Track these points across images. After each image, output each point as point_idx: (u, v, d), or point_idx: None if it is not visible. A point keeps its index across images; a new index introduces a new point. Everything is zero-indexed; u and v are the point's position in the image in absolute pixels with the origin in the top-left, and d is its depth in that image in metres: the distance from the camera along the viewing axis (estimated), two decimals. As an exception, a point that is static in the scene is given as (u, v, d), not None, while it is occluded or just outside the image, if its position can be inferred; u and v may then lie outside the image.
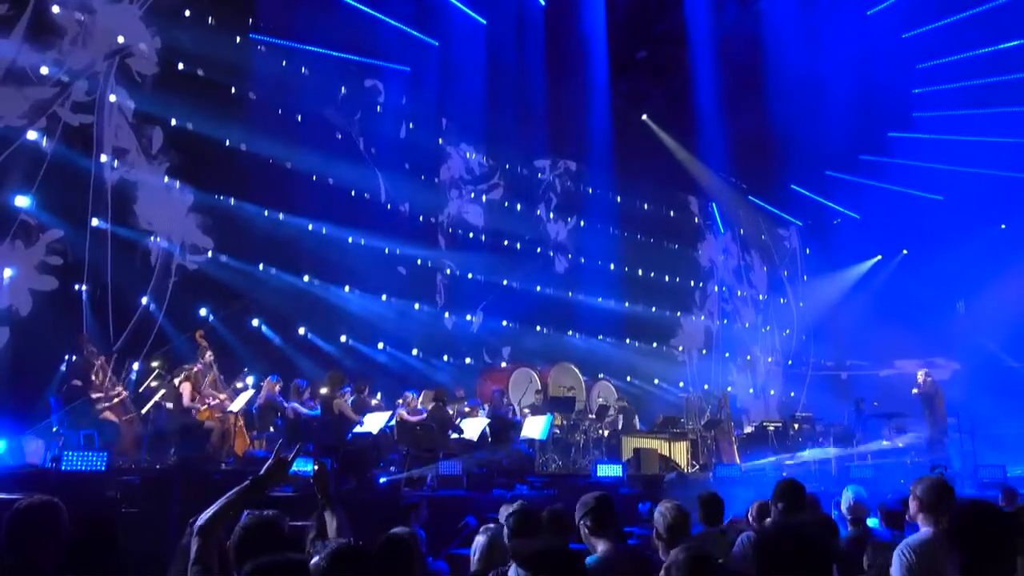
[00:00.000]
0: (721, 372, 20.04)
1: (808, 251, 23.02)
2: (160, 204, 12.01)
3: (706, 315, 20.64)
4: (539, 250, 17.51)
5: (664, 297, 19.39)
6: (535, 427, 11.66)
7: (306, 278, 13.54)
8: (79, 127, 11.23)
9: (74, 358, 9.95)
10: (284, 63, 13.85)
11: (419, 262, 15.36)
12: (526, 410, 13.23)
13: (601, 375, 16.45)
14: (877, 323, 18.49)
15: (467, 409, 12.41)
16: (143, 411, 9.72)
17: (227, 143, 12.73)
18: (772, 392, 21.16)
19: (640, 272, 18.92)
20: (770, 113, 15.98)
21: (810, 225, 22.77)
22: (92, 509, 5.61)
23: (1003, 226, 18.35)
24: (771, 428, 14.17)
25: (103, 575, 3.73)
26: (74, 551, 3.45)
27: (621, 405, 15.14)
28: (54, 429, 8.55)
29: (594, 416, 13.86)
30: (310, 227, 13.61)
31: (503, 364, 16.08)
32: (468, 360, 15.88)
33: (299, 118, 13.90)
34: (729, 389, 18.13)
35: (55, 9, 11.14)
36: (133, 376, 10.76)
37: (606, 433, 13.78)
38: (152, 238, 11.88)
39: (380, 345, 14.38)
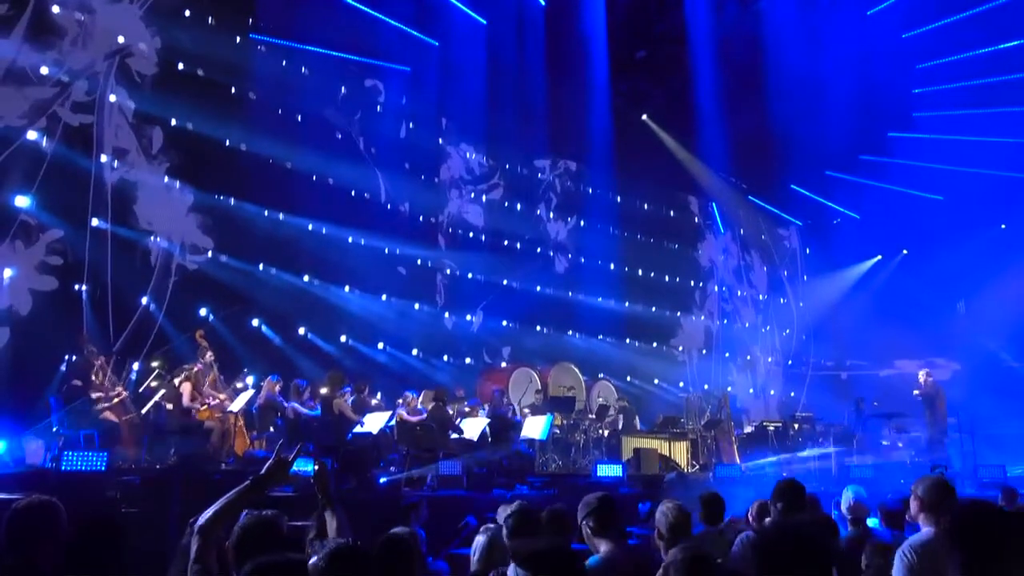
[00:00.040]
0: (721, 372, 20.04)
1: (808, 251, 23.01)
2: (160, 204, 12.01)
3: (706, 315, 20.63)
4: (539, 250, 17.50)
5: (664, 297, 19.38)
6: (535, 427, 11.66)
7: (306, 278, 13.54)
8: (79, 127, 11.22)
9: (74, 358, 9.93)
10: (284, 63, 13.85)
11: (419, 262, 15.36)
12: (526, 410, 13.22)
13: (601, 375, 16.44)
14: (877, 323, 18.48)
15: (467, 409, 12.40)
16: (143, 411, 9.71)
17: (227, 143, 12.73)
18: (772, 392, 21.15)
19: (640, 272, 18.92)
20: (770, 113, 15.98)
21: (810, 225, 22.76)
22: (92, 509, 5.60)
23: (1003, 226, 18.35)
24: (771, 428, 14.16)
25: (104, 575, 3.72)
26: (78, 551, 3.43)
27: (621, 405, 15.14)
28: (54, 429, 8.53)
29: (594, 416, 13.86)
30: (310, 227, 13.61)
31: (503, 364, 16.08)
32: (468, 360, 15.88)
33: (299, 118, 13.89)
34: (729, 389, 18.12)
35: (55, 9, 11.13)
36: (133, 376, 10.75)
37: (606, 433, 13.78)
38: (152, 238, 11.88)
39: (380, 345, 14.38)
